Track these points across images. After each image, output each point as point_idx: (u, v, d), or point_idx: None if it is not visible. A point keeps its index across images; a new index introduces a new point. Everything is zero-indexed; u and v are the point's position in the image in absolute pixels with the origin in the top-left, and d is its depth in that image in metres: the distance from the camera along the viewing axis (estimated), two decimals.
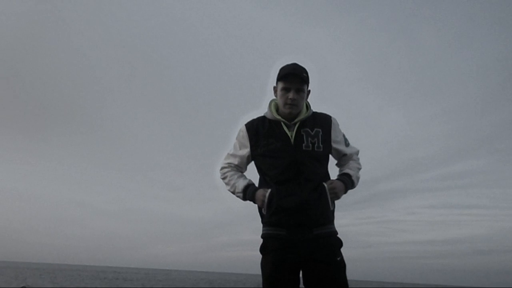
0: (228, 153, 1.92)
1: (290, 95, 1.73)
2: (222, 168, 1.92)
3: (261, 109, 1.90)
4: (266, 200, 1.72)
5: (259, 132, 1.81)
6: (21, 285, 3.57)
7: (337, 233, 1.78)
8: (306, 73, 1.77)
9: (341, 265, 1.71)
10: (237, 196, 1.83)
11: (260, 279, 1.74)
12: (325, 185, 1.74)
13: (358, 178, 1.85)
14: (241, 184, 1.81)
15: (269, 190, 1.73)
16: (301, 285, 1.74)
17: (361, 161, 1.97)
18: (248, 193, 1.80)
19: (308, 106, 1.84)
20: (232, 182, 1.84)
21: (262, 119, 1.84)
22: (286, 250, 1.68)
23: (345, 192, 1.81)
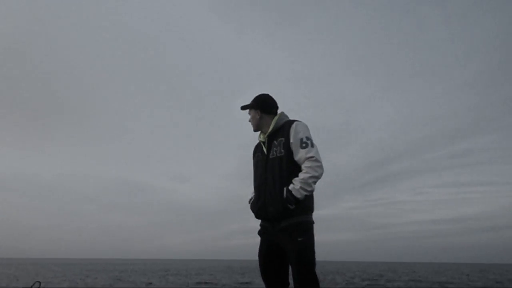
0: None
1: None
2: None
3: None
4: (250, 205, 2.38)
5: (256, 151, 2.46)
6: (35, 281, 3.63)
7: (304, 222, 2.13)
8: (254, 100, 2.42)
9: (303, 242, 2.08)
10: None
11: None
12: (285, 188, 2.10)
13: (299, 191, 2.06)
14: (249, 197, 2.44)
15: (250, 198, 2.38)
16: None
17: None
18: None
19: (276, 122, 2.31)
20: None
21: (258, 143, 2.47)
22: (267, 237, 2.26)
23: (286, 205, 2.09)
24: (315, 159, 2.09)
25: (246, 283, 17.71)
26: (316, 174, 2.07)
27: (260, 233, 2.32)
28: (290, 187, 2.09)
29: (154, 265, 54.40)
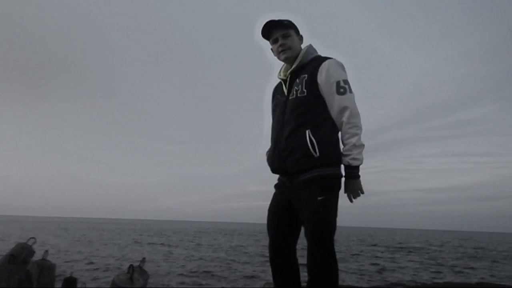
0: None
1: (280, 42, 1.85)
2: None
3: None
4: (266, 158, 1.97)
5: (276, 93, 2.00)
6: (30, 237, 3.66)
7: (328, 176, 1.70)
8: (287, 20, 1.85)
9: (323, 203, 1.66)
10: None
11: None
12: (307, 131, 1.69)
13: (355, 158, 1.68)
14: (266, 148, 2.02)
15: (268, 149, 1.95)
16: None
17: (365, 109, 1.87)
18: None
19: (303, 56, 1.85)
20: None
21: (279, 83, 2.00)
22: (282, 190, 1.86)
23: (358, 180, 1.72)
24: (358, 119, 1.71)
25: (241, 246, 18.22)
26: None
27: (276, 186, 1.92)
28: (347, 160, 1.70)
29: (144, 225, 55.39)
